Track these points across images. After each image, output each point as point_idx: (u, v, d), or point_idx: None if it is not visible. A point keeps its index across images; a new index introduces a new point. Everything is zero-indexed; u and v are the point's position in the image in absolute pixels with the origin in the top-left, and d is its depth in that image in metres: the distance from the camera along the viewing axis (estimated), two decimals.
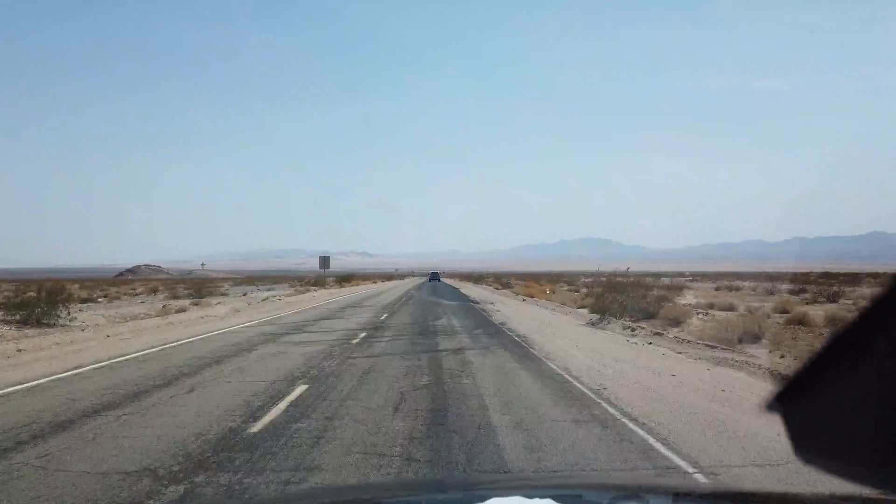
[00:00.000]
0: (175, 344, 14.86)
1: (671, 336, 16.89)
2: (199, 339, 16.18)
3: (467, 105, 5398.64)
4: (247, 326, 19.89)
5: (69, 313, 20.60)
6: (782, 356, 12.82)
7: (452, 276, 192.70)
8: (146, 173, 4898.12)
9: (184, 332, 18.03)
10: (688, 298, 34.61)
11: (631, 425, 7.08)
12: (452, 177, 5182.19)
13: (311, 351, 13.41)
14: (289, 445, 6.15)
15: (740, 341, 15.37)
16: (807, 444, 1.44)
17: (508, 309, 29.19)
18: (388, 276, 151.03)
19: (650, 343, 15.57)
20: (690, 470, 5.55)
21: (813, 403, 1.40)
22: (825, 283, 46.00)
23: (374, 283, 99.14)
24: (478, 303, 34.07)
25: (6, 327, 18.27)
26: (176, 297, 40.05)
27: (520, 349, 14.02)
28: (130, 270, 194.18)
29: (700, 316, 22.28)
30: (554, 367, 11.48)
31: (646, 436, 6.65)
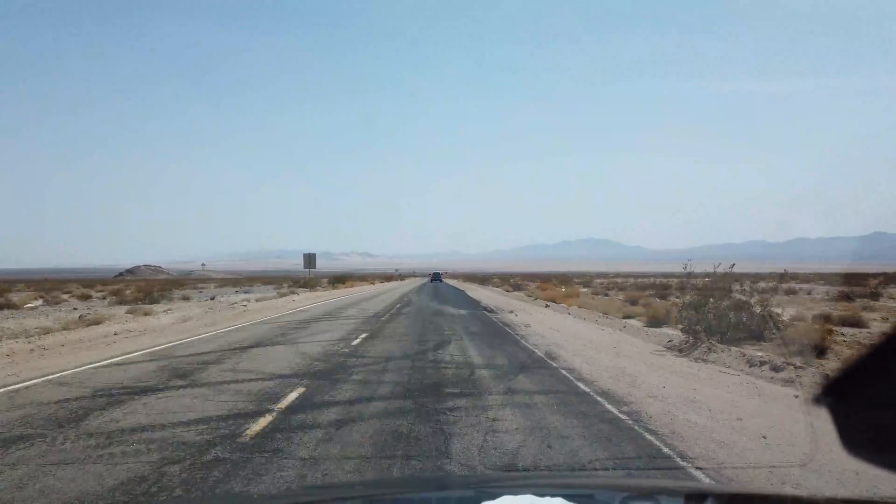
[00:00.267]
0: None
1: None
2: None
3: (468, 106, 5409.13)
4: (117, 363, 11.70)
5: None
6: None
7: (454, 276, 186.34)
8: (149, 174, 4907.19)
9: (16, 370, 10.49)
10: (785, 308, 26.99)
11: None
12: (453, 177, 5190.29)
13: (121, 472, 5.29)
14: None
15: None
16: (854, 436, 1.41)
17: (538, 322, 21.34)
18: (388, 277, 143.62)
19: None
20: None
21: (861, 397, 1.39)
22: (866, 284, 43.42)
23: (372, 283, 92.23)
24: (493, 311, 26.54)
25: None
26: (122, 303, 32.89)
27: (650, 453, 5.90)
28: (130, 271, 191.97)
29: (837, 335, 14.96)
30: None
31: None
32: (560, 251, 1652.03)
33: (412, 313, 24.79)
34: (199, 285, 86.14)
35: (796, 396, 8.70)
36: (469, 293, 50.47)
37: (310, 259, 54.50)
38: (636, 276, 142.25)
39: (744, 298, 15.56)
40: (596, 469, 5.32)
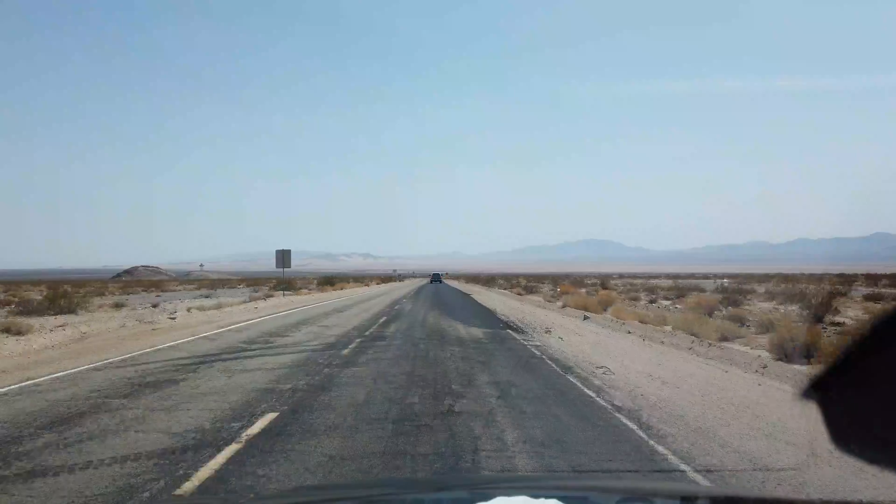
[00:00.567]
0: None
1: None
2: None
3: (471, 108, 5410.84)
4: None
5: None
6: None
7: (456, 277, 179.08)
8: (149, 175, 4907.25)
9: None
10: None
11: None
12: (454, 179, 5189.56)
13: None
14: None
15: None
16: (843, 431, 1.38)
17: (608, 354, 12.69)
18: (385, 278, 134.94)
19: None
20: None
21: (851, 391, 1.35)
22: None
23: (367, 285, 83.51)
24: (521, 331, 17.69)
25: None
26: (25, 312, 24.83)
27: None
28: (128, 272, 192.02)
29: None
30: None
31: None
32: (561, 252, 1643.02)
33: (399, 335, 16.03)
34: (175, 287, 78.25)
35: None
36: (476, 297, 42.21)
37: (283, 256, 42.26)
38: (644, 276, 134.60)
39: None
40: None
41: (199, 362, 11.45)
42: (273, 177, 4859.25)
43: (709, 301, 27.10)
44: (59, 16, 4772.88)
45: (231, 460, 5.41)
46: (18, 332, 17.40)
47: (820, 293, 21.17)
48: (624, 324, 19.97)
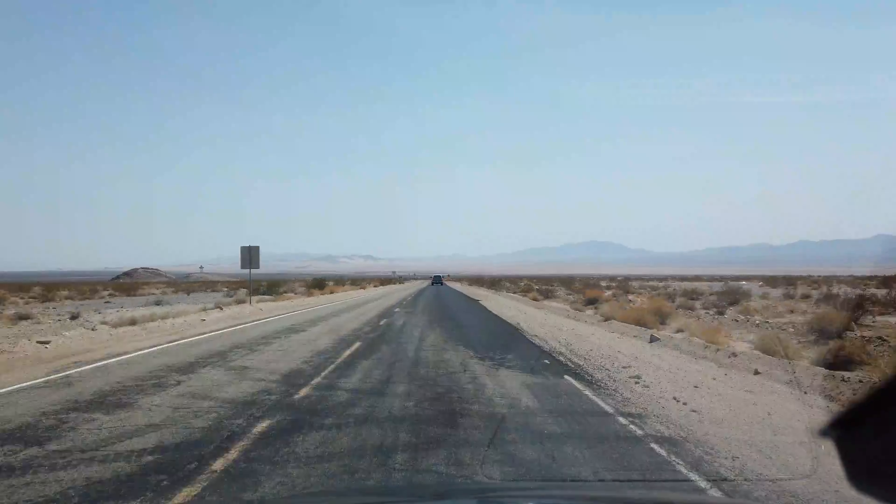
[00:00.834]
0: None
1: None
2: None
3: (471, 108, 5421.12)
4: None
5: None
6: None
7: (458, 279, 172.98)
8: (151, 175, 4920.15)
9: None
10: None
11: None
12: (454, 179, 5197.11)
13: None
14: None
15: None
16: (861, 471, 1.36)
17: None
18: (385, 280, 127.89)
19: None
20: None
21: (872, 432, 1.34)
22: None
23: (363, 288, 76.64)
24: (583, 373, 10.29)
25: None
26: None
27: None
28: (127, 273, 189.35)
29: None
30: None
31: None
32: (563, 254, 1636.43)
33: (363, 401, 8.09)
34: (145, 291, 70.60)
35: None
36: (486, 304, 34.67)
37: (250, 255, 32.43)
38: (652, 278, 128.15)
39: None
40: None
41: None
42: (273, 177, 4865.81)
43: (821, 312, 19.41)
44: (59, 16, 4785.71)
45: None
46: None
47: None
48: (730, 354, 12.67)
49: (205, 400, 8.21)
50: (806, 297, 38.84)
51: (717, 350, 13.30)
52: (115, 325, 18.88)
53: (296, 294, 51.83)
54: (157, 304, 35.51)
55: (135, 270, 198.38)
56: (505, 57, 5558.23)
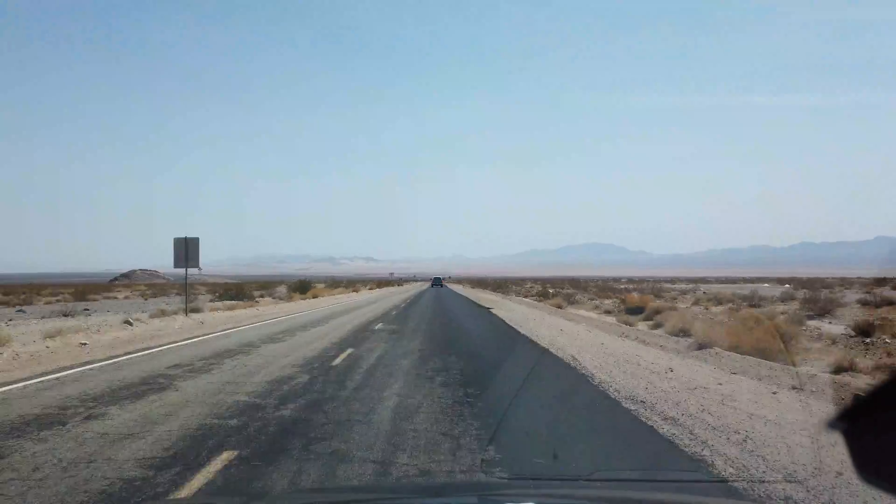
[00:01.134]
0: None
1: None
2: None
3: (472, 109, 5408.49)
4: None
5: None
6: None
7: (459, 281, 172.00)
8: (151, 175, 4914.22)
9: None
10: None
11: None
12: (454, 179, 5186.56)
13: None
14: None
15: None
16: (870, 464, 1.35)
17: None
18: (381, 283, 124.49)
19: None
20: None
21: (882, 424, 1.33)
22: None
23: (355, 291, 70.69)
24: None
25: None
26: None
27: None
28: (125, 275, 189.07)
29: None
30: None
31: None
32: (563, 255, 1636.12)
33: None
34: (109, 295, 62.86)
35: None
36: (501, 315, 26.79)
37: (186, 248, 24.42)
38: (661, 280, 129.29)
39: None
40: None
41: None
42: (273, 177, 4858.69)
43: None
44: (60, 16, 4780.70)
45: None
46: None
47: None
48: None
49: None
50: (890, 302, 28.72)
51: None
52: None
53: (273, 299, 44.32)
54: (66, 315, 28.09)
55: (133, 272, 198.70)
56: (505, 57, 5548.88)
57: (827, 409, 7.88)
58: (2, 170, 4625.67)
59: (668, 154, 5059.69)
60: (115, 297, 57.65)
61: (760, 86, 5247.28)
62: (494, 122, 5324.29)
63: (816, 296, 33.21)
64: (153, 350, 14.58)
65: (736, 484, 4.90)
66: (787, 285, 67.33)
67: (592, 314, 29.15)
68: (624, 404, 8.14)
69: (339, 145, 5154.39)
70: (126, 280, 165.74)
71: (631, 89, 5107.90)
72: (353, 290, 71.63)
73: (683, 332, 17.10)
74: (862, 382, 9.50)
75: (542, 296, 49.95)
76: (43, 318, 26.30)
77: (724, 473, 5.26)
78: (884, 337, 16.91)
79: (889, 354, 13.99)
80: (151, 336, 17.56)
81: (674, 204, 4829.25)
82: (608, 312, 29.43)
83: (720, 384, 9.54)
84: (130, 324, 19.78)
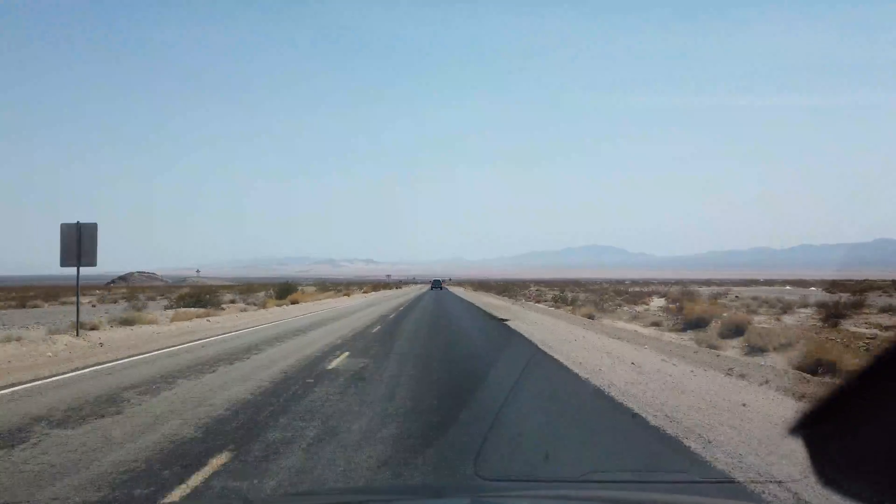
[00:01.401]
0: None
1: None
2: None
3: (472, 109, 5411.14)
4: None
5: None
6: None
7: (460, 283, 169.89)
8: (151, 175, 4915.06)
9: None
10: None
11: None
12: (455, 179, 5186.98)
13: None
14: None
15: None
16: (829, 467, 1.37)
17: None
18: (377, 285, 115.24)
19: None
20: None
21: (841, 427, 1.36)
22: None
23: (347, 295, 64.79)
24: None
25: None
26: None
27: None
28: (122, 278, 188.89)
29: None
30: None
31: None
32: (564, 258, 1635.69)
33: None
34: (62, 300, 47.16)
35: None
36: (521, 329, 20.13)
37: (80, 237, 16.40)
38: (666, 283, 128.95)
39: None
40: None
41: None
42: (273, 177, 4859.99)
43: None
44: (60, 16, 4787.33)
45: None
46: None
47: None
48: None
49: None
50: None
51: None
52: None
53: (245, 305, 39.43)
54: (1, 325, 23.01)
55: (130, 275, 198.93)
56: (505, 57, 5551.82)
57: None
58: (2, 170, 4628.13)
59: (668, 154, 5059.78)
60: (66, 303, 44.28)
61: (760, 86, 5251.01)
62: (494, 122, 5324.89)
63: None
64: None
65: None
66: (812, 288, 64.30)
67: (638, 327, 23.34)
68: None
69: (339, 145, 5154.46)
70: (123, 283, 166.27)
71: (631, 89, 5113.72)
72: (345, 294, 66.71)
73: (821, 365, 11.10)
74: None
75: (560, 301, 42.14)
76: None
77: None
78: None
79: None
80: (33, 363, 11.91)
81: (674, 204, 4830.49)
82: (655, 325, 23.81)
83: None
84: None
